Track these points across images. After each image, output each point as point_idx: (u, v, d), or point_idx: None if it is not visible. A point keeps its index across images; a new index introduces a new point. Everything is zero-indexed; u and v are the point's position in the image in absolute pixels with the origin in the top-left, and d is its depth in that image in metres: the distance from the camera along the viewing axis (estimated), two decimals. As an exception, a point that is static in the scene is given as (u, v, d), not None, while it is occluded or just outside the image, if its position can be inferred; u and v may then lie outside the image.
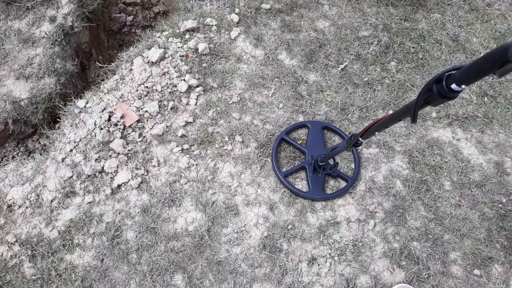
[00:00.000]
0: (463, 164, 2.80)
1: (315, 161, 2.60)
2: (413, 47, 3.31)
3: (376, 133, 1.72)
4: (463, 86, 1.08)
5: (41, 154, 2.99)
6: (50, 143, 3.03)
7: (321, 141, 2.76)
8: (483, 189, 2.71)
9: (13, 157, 3.25)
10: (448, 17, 3.51)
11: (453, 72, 1.09)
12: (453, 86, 1.08)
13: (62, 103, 3.03)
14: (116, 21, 4.74)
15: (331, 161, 2.57)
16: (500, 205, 2.64)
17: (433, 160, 2.80)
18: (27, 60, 3.18)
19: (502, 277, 2.42)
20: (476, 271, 2.43)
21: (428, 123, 2.96)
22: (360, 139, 1.80)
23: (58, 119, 3.13)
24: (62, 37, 3.37)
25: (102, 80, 4.06)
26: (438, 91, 1.12)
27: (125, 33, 4.91)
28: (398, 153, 2.81)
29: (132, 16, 4.77)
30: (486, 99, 3.09)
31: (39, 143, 3.34)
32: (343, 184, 2.66)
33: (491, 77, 3.21)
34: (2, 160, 3.22)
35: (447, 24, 3.48)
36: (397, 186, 2.69)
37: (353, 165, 2.73)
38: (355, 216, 2.56)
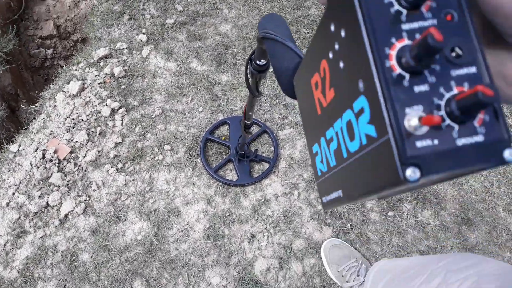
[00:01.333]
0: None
1: (237, 151, 2.91)
2: (308, 32, 3.67)
3: (250, 113, 1.96)
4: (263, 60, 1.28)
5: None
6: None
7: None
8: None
9: None
10: None
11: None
12: (258, 62, 1.26)
13: None
14: (36, 57, 4.82)
15: (252, 149, 2.89)
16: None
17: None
18: None
19: (411, 213, 2.83)
20: (390, 213, 2.83)
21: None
22: (246, 122, 2.10)
23: None
24: None
25: (31, 120, 4.20)
26: (254, 69, 1.34)
27: (48, 66, 5.01)
28: (311, 129, 3.16)
29: (51, 49, 4.87)
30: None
31: None
32: (267, 166, 2.98)
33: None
34: None
35: (334, 5, 3.87)
36: (314, 157, 3.04)
37: (272, 148, 3.06)
38: (281, 191, 2.90)
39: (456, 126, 0.32)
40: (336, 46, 0.43)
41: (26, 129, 3.26)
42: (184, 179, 2.95)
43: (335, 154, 0.47)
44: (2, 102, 3.60)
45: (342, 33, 0.39)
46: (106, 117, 3.14)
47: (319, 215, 2.81)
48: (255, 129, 3.16)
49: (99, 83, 3.28)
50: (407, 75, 0.33)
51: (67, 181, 2.91)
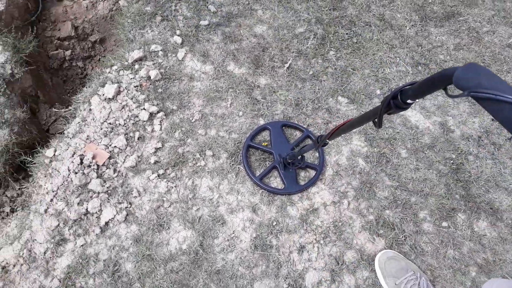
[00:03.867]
0: (413, 131, 3.10)
1: (284, 159, 2.81)
2: (347, 33, 3.58)
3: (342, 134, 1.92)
4: (416, 100, 1.29)
5: (22, 209, 3.04)
6: (26, 198, 3.08)
7: (284, 138, 2.98)
8: (434, 149, 3.03)
9: None
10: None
11: (407, 87, 1.29)
12: (408, 100, 1.28)
13: (24, 152, 3.08)
14: (55, 58, 4.74)
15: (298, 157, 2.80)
16: (451, 161, 2.96)
17: (386, 133, 3.08)
18: None
19: (466, 223, 2.74)
20: (444, 223, 2.74)
21: (374, 100, 3.24)
22: (327, 140, 2.01)
23: (23, 169, 3.17)
24: (5, 86, 3.38)
25: (55, 121, 4.10)
26: (395, 105, 1.33)
27: (67, 68, 4.93)
28: (354, 134, 3.07)
29: (70, 50, 4.79)
30: (420, 67, 3.41)
31: (6, 196, 3.35)
32: (313, 173, 2.89)
33: (420, 47, 3.53)
34: None
35: (371, 5, 3.78)
36: (360, 164, 2.95)
37: (317, 154, 2.96)
38: (329, 199, 2.80)
39: None
40: None
41: (60, 133, 3.16)
42: (227, 186, 2.85)
43: None
44: (24, 104, 3.52)
45: None
46: (144, 121, 3.05)
47: (371, 226, 2.71)
48: (297, 134, 3.07)
49: (135, 86, 3.19)
50: None
51: (107, 187, 2.82)
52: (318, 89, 3.25)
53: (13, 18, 3.96)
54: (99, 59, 5.10)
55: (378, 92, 3.27)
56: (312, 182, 2.82)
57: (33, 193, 2.93)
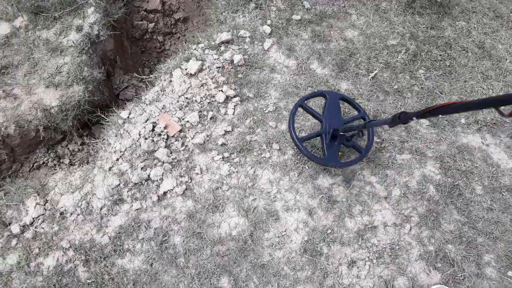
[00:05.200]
0: (493, 169, 2.90)
1: (334, 130, 2.66)
2: (440, 55, 3.41)
3: (440, 116, 1.71)
4: None
5: (87, 162, 3.15)
6: (94, 152, 3.19)
7: (338, 111, 2.81)
8: (514, 193, 2.81)
9: (44, 163, 3.41)
10: (473, 25, 3.60)
11: None
12: None
13: (93, 111, 3.17)
14: (138, 28, 4.89)
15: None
16: (532, 209, 2.74)
17: (464, 165, 2.90)
18: (56, 68, 3.31)
19: (536, 279, 2.52)
20: (510, 273, 2.53)
21: (457, 129, 3.06)
22: (415, 118, 1.83)
23: (88, 126, 3.27)
24: (89, 45, 3.51)
25: (126, 87, 4.22)
26: None
27: (147, 39, 5.07)
28: (430, 159, 2.91)
29: (153, 23, 4.93)
30: (513, 105, 3.18)
31: (68, 149, 3.49)
32: (354, 155, 2.80)
33: (518, 83, 3.30)
34: (33, 166, 3.38)
35: (472, 31, 3.57)
36: (431, 191, 2.79)
37: (366, 139, 2.80)
38: (391, 220, 2.67)
39: None
40: None
41: (138, 98, 3.24)
42: (288, 183, 2.80)
43: None
44: (102, 66, 3.64)
45: None
46: (219, 103, 3.06)
47: (429, 256, 2.56)
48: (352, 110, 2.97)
49: (217, 67, 3.20)
50: None
51: (172, 158, 2.85)
52: (401, 105, 3.11)
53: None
54: (179, 37, 5.22)
55: (463, 121, 3.09)
56: (352, 163, 2.67)
57: (101, 149, 3.02)
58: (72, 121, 3.26)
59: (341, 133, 2.65)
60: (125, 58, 4.62)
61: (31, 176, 3.39)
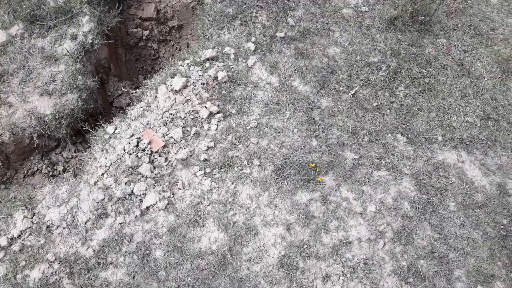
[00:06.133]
0: (467, 185, 2.99)
1: None
2: (420, 72, 3.50)
3: None
4: None
5: (75, 175, 3.24)
6: (79, 166, 3.28)
7: None
8: (486, 209, 2.90)
9: (38, 169, 3.49)
10: (453, 42, 3.70)
11: None
12: None
13: (87, 122, 3.25)
14: (132, 36, 4.98)
15: None
16: (502, 226, 2.82)
17: (439, 182, 2.99)
18: (50, 77, 3.41)
19: (503, 294, 2.61)
20: (480, 287, 2.63)
21: (434, 146, 3.15)
22: None
23: (81, 134, 3.35)
24: (83, 54, 3.60)
25: (120, 95, 4.31)
26: None
27: (142, 47, 5.16)
28: (406, 176, 3.00)
29: (148, 31, 5.01)
30: (489, 122, 3.28)
31: (62, 156, 3.57)
32: None
33: (495, 101, 3.39)
34: (27, 172, 3.47)
35: (452, 49, 3.67)
36: (405, 207, 2.88)
37: None
38: (366, 236, 2.76)
39: None
40: None
41: (122, 109, 3.32)
42: (267, 199, 2.89)
43: None
44: (96, 74, 3.72)
45: None
46: (203, 119, 3.15)
47: (402, 271, 2.65)
48: None
49: (202, 84, 3.30)
50: None
51: (155, 174, 2.94)
52: (379, 122, 3.21)
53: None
54: (173, 45, 5.31)
55: (439, 138, 3.18)
56: None
57: (87, 163, 3.12)
58: (66, 129, 3.35)
59: None
60: (119, 66, 4.71)
61: (25, 182, 3.48)
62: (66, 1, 3.68)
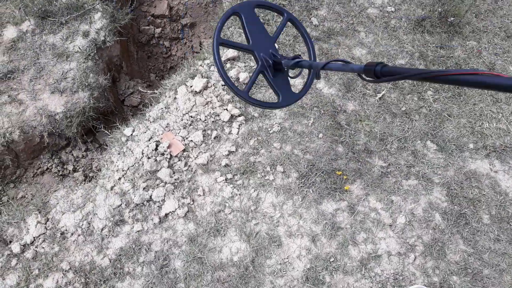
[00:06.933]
0: (501, 197, 2.84)
1: (275, 62, 2.01)
2: (450, 76, 3.34)
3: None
4: None
5: (85, 176, 3.12)
6: (97, 170, 3.16)
7: (262, 28, 2.09)
8: (522, 223, 2.76)
9: (48, 168, 3.39)
10: (484, 45, 3.54)
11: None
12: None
13: (99, 121, 3.14)
14: (144, 33, 4.87)
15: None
16: (540, 241, 2.68)
17: (471, 193, 2.84)
18: (62, 74, 3.29)
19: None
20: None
21: (465, 154, 3.01)
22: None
23: (92, 133, 3.24)
24: (95, 51, 3.48)
25: (131, 93, 4.19)
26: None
27: (154, 45, 5.05)
28: (437, 185, 2.86)
29: (160, 29, 4.90)
30: (523, 129, 3.12)
31: (72, 155, 3.46)
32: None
33: (528, 107, 3.23)
34: (37, 171, 3.37)
35: (483, 51, 3.51)
36: (436, 219, 2.74)
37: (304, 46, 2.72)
38: (395, 249, 2.63)
39: None
40: None
41: (135, 108, 3.20)
42: (291, 207, 2.76)
43: None
44: (107, 72, 3.60)
45: None
46: (224, 122, 3.02)
47: (434, 288, 2.51)
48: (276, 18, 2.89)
49: (222, 85, 3.16)
50: None
51: (175, 179, 2.82)
52: (408, 128, 3.06)
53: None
54: (185, 43, 5.19)
55: (471, 146, 3.03)
56: (309, 86, 2.12)
57: (103, 167, 2.99)
58: (77, 128, 3.24)
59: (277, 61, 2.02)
60: (131, 64, 4.60)
61: (34, 181, 3.38)
62: (79, -3, 3.56)
